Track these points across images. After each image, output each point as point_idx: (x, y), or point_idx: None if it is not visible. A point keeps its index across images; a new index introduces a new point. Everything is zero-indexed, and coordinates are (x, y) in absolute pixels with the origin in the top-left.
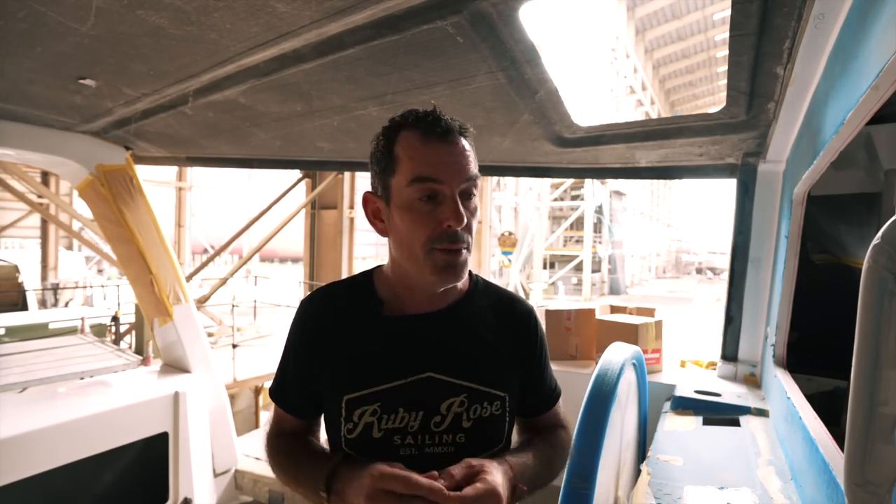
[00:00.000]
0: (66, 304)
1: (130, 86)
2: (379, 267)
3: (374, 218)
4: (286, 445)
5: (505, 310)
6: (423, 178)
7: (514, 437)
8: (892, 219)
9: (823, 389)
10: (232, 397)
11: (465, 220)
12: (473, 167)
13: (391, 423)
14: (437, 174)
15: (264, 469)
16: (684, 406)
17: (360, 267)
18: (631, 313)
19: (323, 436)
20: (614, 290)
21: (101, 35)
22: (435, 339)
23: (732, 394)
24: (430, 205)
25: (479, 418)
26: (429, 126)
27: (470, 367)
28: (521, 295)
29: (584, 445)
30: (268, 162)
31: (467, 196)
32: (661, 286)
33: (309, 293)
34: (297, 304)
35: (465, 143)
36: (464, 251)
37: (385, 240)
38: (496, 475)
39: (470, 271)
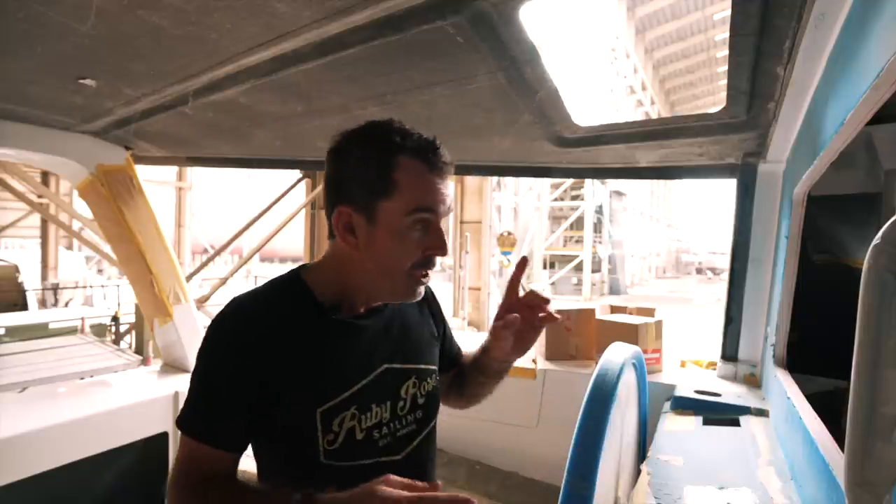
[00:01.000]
0: (66, 304)
1: (130, 86)
2: (302, 270)
3: (345, 231)
4: (222, 497)
5: None
6: (425, 209)
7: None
8: (892, 219)
9: (823, 389)
10: None
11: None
12: (450, 199)
13: (369, 421)
14: (434, 206)
15: None
16: (684, 406)
17: None
18: (631, 313)
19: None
20: (614, 291)
21: (101, 35)
22: (382, 333)
23: (732, 394)
24: (419, 233)
25: (428, 393)
26: (433, 158)
27: (411, 351)
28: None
29: (584, 445)
30: (268, 162)
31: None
32: (661, 286)
33: (227, 309)
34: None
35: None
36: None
37: None
38: None
39: None
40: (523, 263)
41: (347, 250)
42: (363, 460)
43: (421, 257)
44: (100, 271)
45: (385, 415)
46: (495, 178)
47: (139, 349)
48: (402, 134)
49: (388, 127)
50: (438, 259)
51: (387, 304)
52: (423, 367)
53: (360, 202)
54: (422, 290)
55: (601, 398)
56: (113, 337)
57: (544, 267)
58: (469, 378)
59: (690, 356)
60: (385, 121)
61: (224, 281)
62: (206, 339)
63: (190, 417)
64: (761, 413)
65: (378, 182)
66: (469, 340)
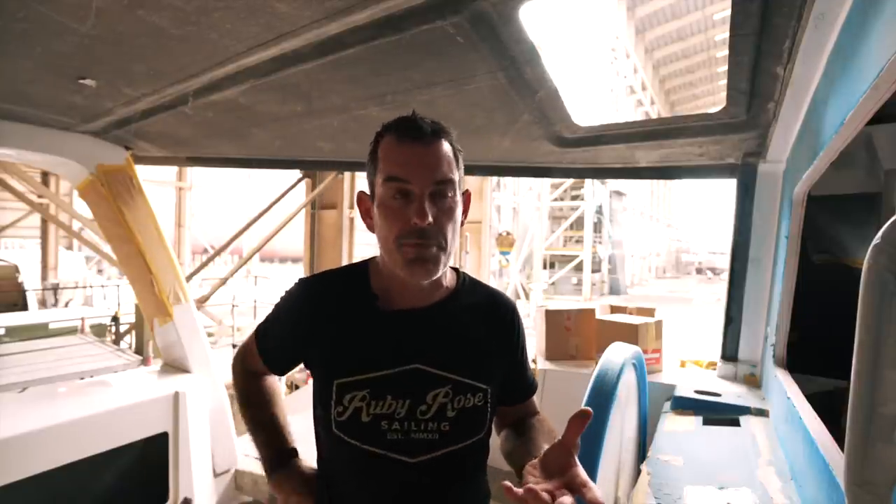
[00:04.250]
0: (66, 304)
1: (130, 86)
2: (372, 259)
3: (366, 216)
4: (256, 395)
5: (489, 306)
6: (393, 177)
7: (495, 425)
8: (892, 219)
9: (823, 389)
10: (232, 397)
11: (431, 218)
12: (447, 170)
13: (379, 409)
14: (406, 175)
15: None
16: (684, 406)
17: None
18: (631, 313)
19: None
20: (614, 291)
21: (101, 35)
22: (423, 333)
23: (732, 394)
24: (401, 202)
25: (463, 409)
26: (404, 129)
27: (454, 361)
28: (521, 295)
29: (584, 445)
30: (268, 162)
31: (440, 196)
32: (661, 286)
33: (302, 280)
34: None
35: (442, 145)
36: (433, 248)
37: None
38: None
39: (458, 270)
40: (585, 417)
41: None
42: (370, 446)
43: (404, 228)
44: (100, 271)
45: (400, 411)
46: (495, 178)
47: (139, 349)
48: (400, 119)
49: (396, 119)
50: (435, 232)
51: (439, 304)
52: (463, 380)
53: (369, 185)
54: (421, 266)
55: (601, 398)
56: (113, 337)
57: (544, 267)
58: (514, 449)
59: (690, 356)
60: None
61: (224, 281)
62: (284, 293)
63: (259, 328)
64: (761, 413)
65: (371, 163)
66: None
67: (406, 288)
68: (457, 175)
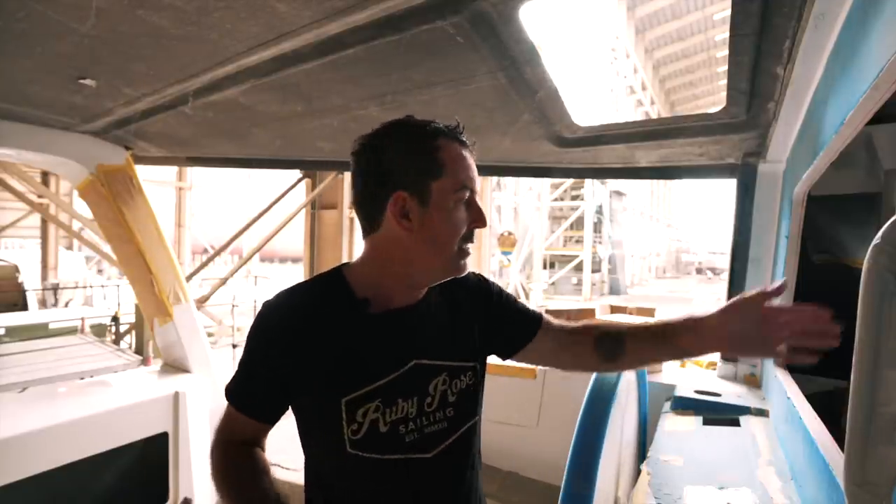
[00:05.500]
0: (66, 304)
1: (130, 86)
2: (344, 267)
3: (402, 216)
4: (233, 463)
5: (460, 285)
6: (466, 186)
7: (545, 348)
8: (892, 219)
9: (823, 389)
10: None
11: None
12: None
13: (394, 415)
14: (472, 184)
15: None
16: (684, 406)
17: None
18: (631, 313)
19: (268, 444)
20: (614, 291)
21: (101, 35)
22: (415, 328)
23: (732, 394)
24: (464, 207)
25: (461, 391)
26: (463, 140)
27: (445, 347)
28: (521, 295)
29: (584, 445)
30: (268, 162)
31: None
32: (661, 286)
33: (272, 300)
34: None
35: None
36: None
37: None
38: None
39: None
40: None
41: (396, 237)
42: (390, 455)
43: (467, 231)
44: (100, 271)
45: (412, 410)
46: (495, 178)
47: (139, 349)
48: (430, 122)
49: (416, 120)
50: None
51: (423, 299)
52: (456, 364)
53: (412, 187)
54: (466, 263)
55: (601, 398)
56: (113, 337)
57: (544, 267)
58: (639, 349)
59: None
60: (406, 117)
61: (224, 281)
62: (252, 326)
63: (231, 387)
64: (761, 413)
65: (428, 165)
66: None
67: (399, 288)
68: None
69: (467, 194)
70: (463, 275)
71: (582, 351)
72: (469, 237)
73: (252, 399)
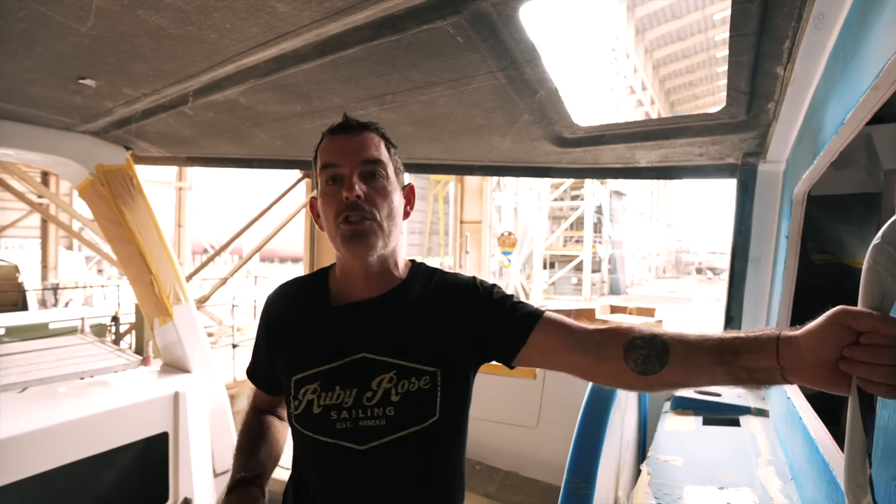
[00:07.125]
0: (66, 304)
1: (130, 86)
2: (333, 264)
3: (316, 216)
4: (247, 427)
5: (443, 288)
6: (326, 164)
7: (568, 361)
8: (892, 219)
9: None
10: (232, 397)
11: (359, 192)
12: (375, 151)
13: (328, 400)
14: (336, 160)
15: None
16: (684, 406)
17: None
18: (631, 313)
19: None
20: (614, 290)
21: (101, 35)
22: (371, 322)
23: (732, 394)
24: (335, 187)
25: (407, 392)
26: (336, 127)
27: (400, 346)
28: (522, 295)
29: (584, 445)
30: (268, 162)
31: (371, 176)
32: (661, 286)
33: (275, 288)
34: None
35: (370, 134)
36: (367, 222)
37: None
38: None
39: (414, 260)
40: None
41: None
42: (321, 436)
43: (339, 206)
44: (100, 271)
45: (348, 400)
46: (495, 178)
47: (139, 349)
48: (332, 125)
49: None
50: (368, 207)
51: (388, 295)
52: (409, 365)
53: (316, 187)
54: (358, 241)
55: (601, 398)
56: (113, 337)
57: (544, 267)
58: (688, 369)
59: None
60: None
61: (224, 281)
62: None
63: (249, 363)
64: (761, 413)
65: (313, 167)
66: None
67: (357, 282)
68: (388, 160)
69: (333, 171)
70: (365, 256)
71: (609, 357)
72: (347, 211)
73: (254, 372)
